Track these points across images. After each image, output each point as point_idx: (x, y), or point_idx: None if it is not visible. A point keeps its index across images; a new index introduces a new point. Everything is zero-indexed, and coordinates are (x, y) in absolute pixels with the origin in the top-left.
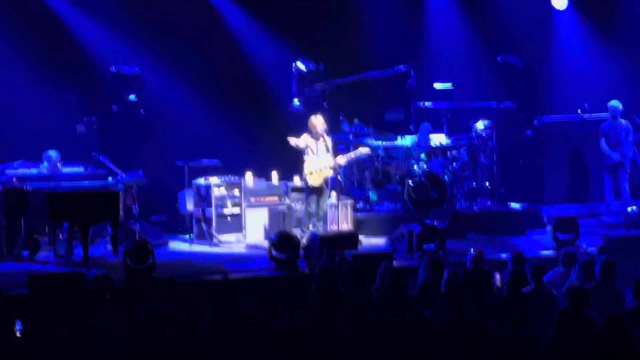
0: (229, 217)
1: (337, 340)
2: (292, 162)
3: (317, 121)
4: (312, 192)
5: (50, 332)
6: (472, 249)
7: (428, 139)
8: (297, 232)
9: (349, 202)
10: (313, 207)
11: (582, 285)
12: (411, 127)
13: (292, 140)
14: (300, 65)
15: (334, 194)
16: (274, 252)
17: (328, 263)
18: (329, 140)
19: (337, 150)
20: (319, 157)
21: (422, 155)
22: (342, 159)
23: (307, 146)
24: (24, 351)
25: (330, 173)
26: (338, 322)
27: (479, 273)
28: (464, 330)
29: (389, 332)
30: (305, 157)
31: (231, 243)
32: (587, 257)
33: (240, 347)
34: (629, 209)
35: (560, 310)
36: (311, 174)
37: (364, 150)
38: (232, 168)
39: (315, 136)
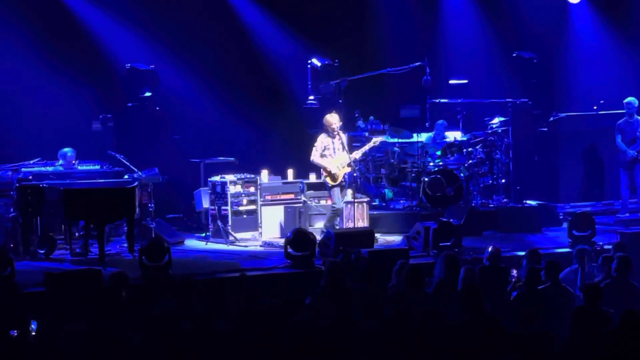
0: (244, 215)
1: (350, 336)
2: (308, 159)
3: (333, 118)
4: (334, 191)
5: (66, 330)
6: (490, 247)
7: (444, 136)
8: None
9: (365, 199)
10: (338, 204)
11: (599, 282)
12: (427, 123)
13: (317, 159)
14: (315, 61)
15: (349, 191)
16: (290, 250)
17: (336, 260)
18: (344, 137)
19: (352, 148)
20: (336, 156)
21: (438, 152)
22: (357, 154)
23: (324, 148)
24: (39, 350)
25: (348, 170)
26: (349, 317)
27: (495, 270)
28: (479, 327)
29: (403, 327)
30: (323, 158)
31: (247, 240)
32: (606, 253)
33: (255, 342)
34: None
35: (576, 307)
36: (330, 174)
37: (377, 140)
38: (247, 165)
39: (332, 134)
